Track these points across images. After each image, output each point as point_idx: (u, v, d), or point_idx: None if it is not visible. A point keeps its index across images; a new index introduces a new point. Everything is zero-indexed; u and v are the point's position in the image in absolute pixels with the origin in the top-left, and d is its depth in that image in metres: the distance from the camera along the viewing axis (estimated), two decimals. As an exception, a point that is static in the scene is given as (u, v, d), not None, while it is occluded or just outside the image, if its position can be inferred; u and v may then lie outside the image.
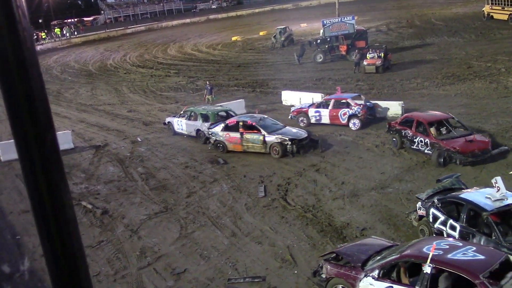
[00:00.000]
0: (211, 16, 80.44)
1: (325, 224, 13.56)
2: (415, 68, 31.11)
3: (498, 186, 10.96)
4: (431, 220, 11.92)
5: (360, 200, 14.86)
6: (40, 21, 72.63)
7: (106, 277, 12.07)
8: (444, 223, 11.53)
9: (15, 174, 19.57)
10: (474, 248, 9.11)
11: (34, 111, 0.95)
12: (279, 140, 18.99)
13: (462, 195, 11.61)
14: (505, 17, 42.25)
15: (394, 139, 18.64)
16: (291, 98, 25.92)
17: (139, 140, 22.90)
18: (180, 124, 22.49)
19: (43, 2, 74.09)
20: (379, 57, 31.15)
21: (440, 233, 11.55)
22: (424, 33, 43.30)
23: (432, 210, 11.91)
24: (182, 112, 23.05)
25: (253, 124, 19.69)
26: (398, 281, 9.17)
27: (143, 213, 15.39)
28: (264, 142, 19.21)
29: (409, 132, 17.88)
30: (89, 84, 38.09)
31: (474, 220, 11.05)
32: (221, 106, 23.62)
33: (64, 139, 21.78)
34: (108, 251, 13.22)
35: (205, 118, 21.53)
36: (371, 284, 9.33)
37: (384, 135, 19.98)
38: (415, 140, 17.65)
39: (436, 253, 8.75)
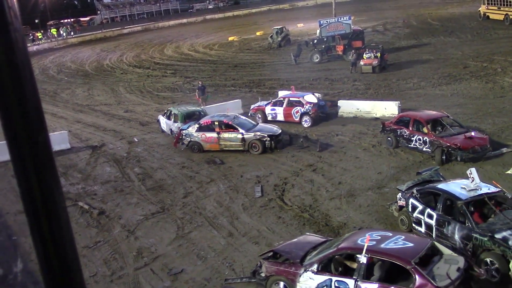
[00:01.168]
0: (208, 16, 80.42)
1: (322, 224, 13.57)
2: (412, 68, 31.17)
3: (472, 177, 11.61)
4: (410, 210, 12.47)
5: (357, 200, 14.88)
6: (36, 21, 72.49)
7: (103, 278, 12.05)
8: (422, 212, 12.09)
9: (11, 175, 19.52)
10: (403, 237, 9.87)
11: (26, 113, 0.94)
12: (258, 137, 19.40)
13: (439, 186, 12.29)
14: (501, 17, 42.39)
15: (389, 138, 18.62)
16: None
17: (136, 140, 22.88)
18: (163, 123, 23.11)
19: (39, 2, 73.93)
20: (375, 57, 31.19)
21: (418, 222, 12.19)
22: (420, 33, 43.40)
23: (411, 200, 12.50)
24: (166, 111, 23.56)
25: (230, 123, 19.98)
26: (336, 273, 9.67)
27: (140, 214, 15.37)
28: (243, 140, 19.56)
29: (406, 131, 17.87)
30: (85, 84, 38.03)
31: (449, 208, 11.70)
32: (195, 107, 23.79)
33: (61, 139, 21.74)
34: (105, 252, 13.20)
35: (175, 118, 21.94)
36: (311, 278, 9.70)
37: (381, 135, 20.02)
38: (412, 138, 17.66)
39: (370, 244, 9.40)
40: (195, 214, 14.99)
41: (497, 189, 11.76)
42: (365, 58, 31.49)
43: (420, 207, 12.20)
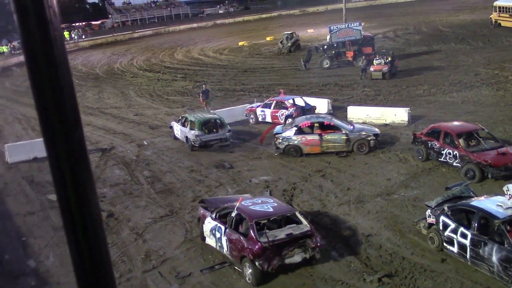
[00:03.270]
0: (218, 21, 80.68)
1: (331, 230, 13.53)
2: (422, 75, 31.07)
3: (510, 194, 10.99)
4: (441, 228, 11.86)
5: (365, 206, 14.83)
6: (48, 24, 72.92)
7: (111, 280, 12.07)
8: (454, 231, 11.47)
9: (22, 176, 19.66)
10: (275, 205, 12.48)
11: (63, 109, 0.96)
12: (363, 136, 19.08)
13: (473, 203, 11.62)
14: (513, 25, 42.20)
15: (419, 150, 17.80)
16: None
17: (145, 143, 22.95)
18: (177, 129, 22.50)
19: (51, 6, 74.42)
20: (385, 63, 31.12)
21: (450, 241, 11.59)
22: (431, 39, 43.27)
23: (442, 218, 11.89)
24: (180, 117, 23.01)
25: (331, 124, 19.57)
26: (221, 221, 12.68)
27: (149, 217, 15.41)
28: (348, 140, 19.08)
29: (436, 144, 17.02)
30: (96, 88, 38.24)
31: (485, 228, 11.01)
32: (213, 113, 22.93)
33: (71, 141, 21.85)
34: (113, 254, 13.22)
35: (192, 125, 21.19)
36: (209, 222, 13.04)
37: (389, 140, 19.93)
38: (442, 152, 16.80)
39: (242, 204, 12.36)
40: (203, 218, 14.99)
41: None
42: (375, 64, 31.44)
43: (453, 225, 11.56)
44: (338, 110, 25.14)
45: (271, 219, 12.10)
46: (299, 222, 12.06)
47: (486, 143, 16.44)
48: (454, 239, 11.44)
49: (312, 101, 24.89)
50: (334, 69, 35.64)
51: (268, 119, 23.95)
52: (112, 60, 51.87)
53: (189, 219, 14.97)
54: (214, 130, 21.21)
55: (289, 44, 44.54)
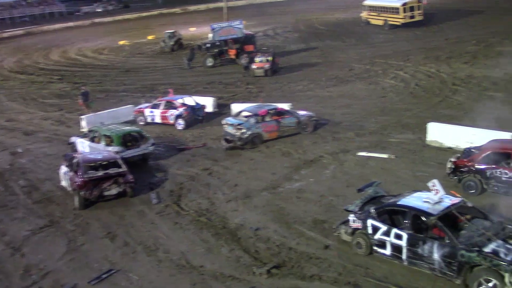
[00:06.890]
0: (97, 20, 77.43)
1: (220, 227, 13.61)
2: (302, 71, 32.33)
3: (437, 189, 10.94)
4: (370, 231, 11.42)
5: (253, 201, 15.11)
6: None
7: (-15, 301, 11.14)
8: (387, 233, 11.10)
9: None
10: (105, 154, 16.69)
11: None
12: (307, 118, 20.58)
13: (400, 202, 11.38)
14: (381, 23, 45.36)
15: (470, 182, 14.03)
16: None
17: (20, 151, 21.47)
18: (83, 147, 19.23)
19: None
20: (267, 60, 31.94)
21: (381, 244, 11.23)
22: (308, 37, 45.13)
23: (370, 221, 11.47)
24: (86, 132, 20.29)
25: (284, 109, 20.90)
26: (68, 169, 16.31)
27: (26, 229, 14.44)
28: (299, 122, 20.32)
29: (507, 172, 13.36)
30: (-40, 93, 34.95)
31: (419, 226, 10.80)
32: (130, 126, 20.58)
33: None
34: (-13, 273, 12.22)
35: (110, 140, 18.36)
36: (62, 169, 16.88)
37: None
38: None
39: (82, 153, 17.08)
40: (87, 226, 14.38)
41: (459, 199, 11.16)
42: (257, 61, 32.12)
43: (384, 227, 11.14)
44: (223, 107, 25.34)
45: (97, 163, 15.89)
46: (120, 166, 15.79)
47: None
48: (387, 242, 11.06)
49: (197, 99, 24.81)
50: (218, 67, 35.91)
51: (158, 119, 23.45)
52: (-21, 62, 47.68)
53: (72, 228, 14.25)
54: (133, 144, 18.70)
55: (172, 43, 44.02)
